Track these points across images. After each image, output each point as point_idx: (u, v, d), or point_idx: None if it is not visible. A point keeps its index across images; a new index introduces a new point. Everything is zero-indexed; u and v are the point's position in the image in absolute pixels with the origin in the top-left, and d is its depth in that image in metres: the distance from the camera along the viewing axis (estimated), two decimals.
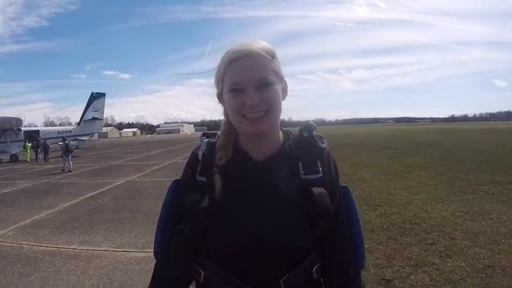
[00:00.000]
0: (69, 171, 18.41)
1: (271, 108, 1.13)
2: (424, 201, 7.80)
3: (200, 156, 1.25)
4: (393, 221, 6.40)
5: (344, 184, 1.31)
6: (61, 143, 21.54)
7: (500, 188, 8.83)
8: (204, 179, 1.20)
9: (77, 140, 37.59)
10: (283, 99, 1.21)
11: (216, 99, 1.27)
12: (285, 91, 1.23)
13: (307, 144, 1.24)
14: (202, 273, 1.21)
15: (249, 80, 1.11)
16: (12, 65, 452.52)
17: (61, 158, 20.39)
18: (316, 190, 1.14)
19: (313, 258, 1.21)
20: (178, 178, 1.34)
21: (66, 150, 19.37)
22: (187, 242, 1.25)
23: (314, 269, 1.20)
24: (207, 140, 1.28)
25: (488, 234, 5.48)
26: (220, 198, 1.17)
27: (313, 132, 1.26)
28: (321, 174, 1.20)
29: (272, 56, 1.17)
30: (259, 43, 1.16)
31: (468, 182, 9.72)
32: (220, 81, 1.20)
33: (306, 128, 1.26)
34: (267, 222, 1.13)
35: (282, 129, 1.29)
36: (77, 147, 36.50)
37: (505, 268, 4.26)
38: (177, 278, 1.29)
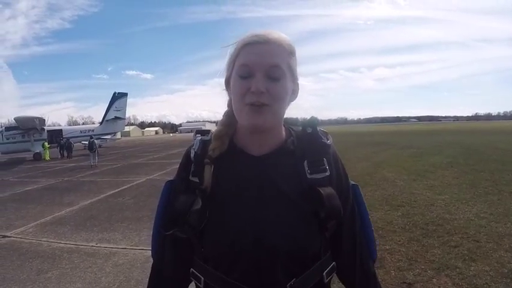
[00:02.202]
0: (91, 166, 20.14)
1: (273, 103, 1.03)
2: (447, 202, 7.59)
3: (192, 155, 1.16)
4: (416, 222, 6.25)
5: (353, 182, 1.24)
6: (85, 142, 24.02)
7: None
8: (196, 179, 1.11)
9: (100, 138, 38.19)
10: (292, 101, 1.13)
11: (224, 86, 1.18)
12: (295, 93, 1.14)
13: (311, 141, 1.14)
14: (202, 278, 1.13)
15: (259, 65, 1.01)
16: (36, 67, 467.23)
17: (83, 157, 21.10)
18: (325, 191, 1.05)
19: (324, 262, 1.12)
20: (173, 179, 1.26)
21: (90, 148, 21.38)
22: (181, 244, 1.17)
23: (324, 273, 1.11)
24: (200, 138, 1.19)
25: None
26: (214, 198, 1.08)
27: (317, 128, 1.17)
28: (328, 173, 1.10)
29: (291, 51, 1.08)
30: (281, 34, 1.08)
31: (493, 182, 9.44)
32: (231, 65, 1.10)
33: (310, 123, 1.17)
34: (266, 224, 1.04)
35: (284, 126, 1.19)
36: (99, 146, 37.11)
37: None
38: (174, 279, 1.24)
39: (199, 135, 1.21)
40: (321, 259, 1.11)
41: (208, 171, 1.09)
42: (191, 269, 1.17)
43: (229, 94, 1.17)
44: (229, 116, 1.18)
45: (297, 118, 1.25)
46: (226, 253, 1.06)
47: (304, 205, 1.06)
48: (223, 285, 1.07)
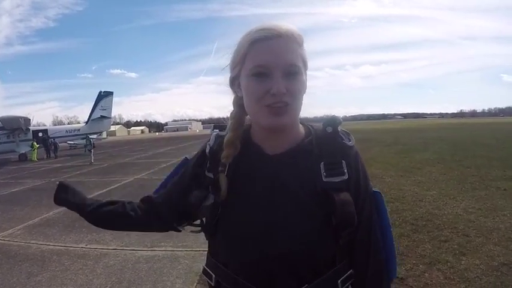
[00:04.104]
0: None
1: (293, 101, 1.00)
2: (435, 198, 7.68)
3: (208, 151, 1.15)
4: (405, 218, 6.30)
5: (376, 189, 1.16)
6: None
7: None
8: (211, 175, 1.10)
9: (85, 138, 37.90)
10: (304, 92, 1.07)
11: (228, 84, 1.15)
12: (306, 84, 1.07)
13: (330, 142, 1.09)
14: (213, 275, 1.11)
15: (277, 64, 0.97)
16: (20, 66, 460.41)
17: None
18: (339, 196, 1.00)
19: (339, 269, 1.06)
20: (189, 158, 1.31)
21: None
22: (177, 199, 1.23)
23: (339, 281, 1.05)
24: (216, 132, 1.17)
25: (502, 231, 5.38)
26: (226, 197, 1.06)
27: (338, 128, 1.11)
28: (346, 177, 1.04)
29: (301, 42, 1.05)
30: (289, 25, 1.03)
31: (479, 178, 9.58)
32: (239, 63, 1.05)
33: (330, 122, 1.11)
34: (275, 227, 1.01)
35: (303, 124, 1.15)
36: (85, 146, 36.86)
37: None
38: (163, 214, 1.29)
39: (217, 130, 1.18)
40: (335, 266, 1.05)
41: (223, 179, 1.08)
42: (203, 266, 1.17)
43: (236, 92, 1.14)
44: (237, 118, 1.15)
45: (320, 117, 1.22)
46: (235, 255, 1.05)
47: (316, 209, 1.02)
48: (234, 286, 1.05)
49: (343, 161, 1.06)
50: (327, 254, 1.04)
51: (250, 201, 1.05)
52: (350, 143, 1.11)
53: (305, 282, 1.01)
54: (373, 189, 1.15)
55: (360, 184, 1.09)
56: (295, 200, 1.03)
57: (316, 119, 1.21)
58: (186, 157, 1.34)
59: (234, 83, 1.12)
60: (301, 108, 1.06)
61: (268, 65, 0.98)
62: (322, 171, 1.04)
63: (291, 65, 0.99)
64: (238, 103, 1.14)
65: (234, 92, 1.14)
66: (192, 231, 1.16)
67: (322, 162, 1.05)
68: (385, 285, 1.14)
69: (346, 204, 1.00)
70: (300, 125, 1.15)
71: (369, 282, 1.10)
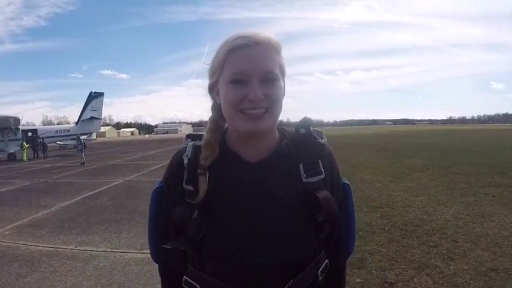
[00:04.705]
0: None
1: (273, 106, 1.01)
2: (425, 203, 7.76)
3: (185, 162, 1.12)
4: (394, 223, 6.35)
5: (345, 181, 1.24)
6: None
7: (501, 190, 8.79)
8: (191, 187, 1.08)
9: (75, 139, 37.65)
10: (283, 99, 1.09)
11: (207, 91, 1.15)
12: (284, 90, 1.10)
13: (306, 143, 1.13)
14: (198, 286, 1.10)
15: (254, 71, 0.98)
16: (10, 64, 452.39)
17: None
18: (321, 194, 1.05)
19: (318, 260, 1.13)
20: (159, 186, 1.23)
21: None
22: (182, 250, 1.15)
23: (319, 271, 1.13)
24: (192, 143, 1.15)
25: (491, 237, 5.44)
26: (211, 208, 1.06)
27: (311, 128, 1.15)
28: (323, 176, 1.10)
29: (279, 50, 1.06)
30: (267, 33, 1.05)
31: (468, 184, 9.69)
32: (217, 71, 1.06)
33: (303, 124, 1.15)
34: (264, 233, 1.03)
35: (277, 128, 1.17)
36: (75, 146, 36.64)
37: (508, 271, 4.22)
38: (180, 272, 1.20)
39: (190, 139, 1.17)
40: (315, 258, 1.12)
41: (203, 181, 1.06)
42: (184, 277, 1.15)
43: (214, 99, 1.15)
44: (215, 122, 1.15)
45: (288, 119, 1.25)
46: (225, 264, 1.06)
47: (300, 210, 1.05)
48: None
49: (319, 160, 1.11)
50: (311, 249, 1.10)
51: (237, 211, 1.06)
52: (323, 141, 1.15)
53: (290, 278, 1.05)
54: (343, 180, 1.23)
55: (334, 180, 1.16)
56: (280, 204, 1.05)
57: (288, 122, 1.26)
58: (159, 186, 1.25)
59: (212, 89, 1.13)
60: (280, 114, 1.09)
61: (246, 72, 0.99)
62: (302, 172, 1.08)
63: (268, 71, 1.01)
64: (216, 108, 1.15)
65: (213, 98, 1.15)
66: (175, 247, 1.10)
67: (301, 164, 1.09)
68: (341, 259, 1.29)
69: (328, 202, 1.06)
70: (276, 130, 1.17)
71: (330, 259, 1.20)
